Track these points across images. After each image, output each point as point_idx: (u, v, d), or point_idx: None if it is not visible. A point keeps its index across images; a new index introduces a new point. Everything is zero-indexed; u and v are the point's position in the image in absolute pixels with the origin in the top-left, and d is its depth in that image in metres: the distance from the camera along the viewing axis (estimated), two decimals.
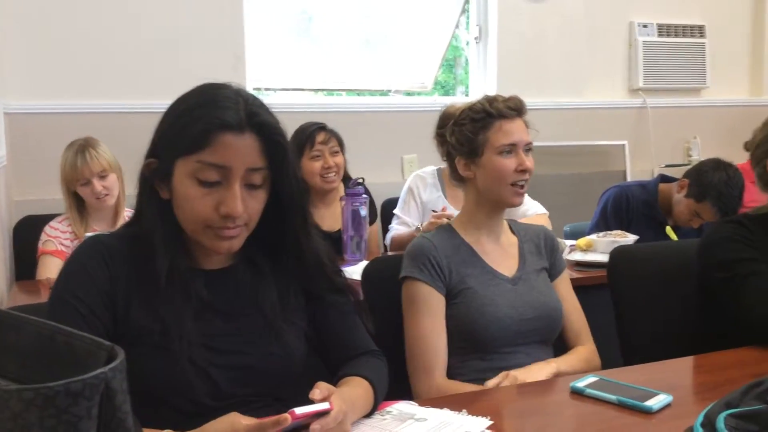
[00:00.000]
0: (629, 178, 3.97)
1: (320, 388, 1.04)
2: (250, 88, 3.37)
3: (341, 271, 1.31)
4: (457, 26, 3.96)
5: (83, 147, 2.49)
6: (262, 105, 1.15)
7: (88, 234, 1.99)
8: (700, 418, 0.95)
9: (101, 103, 3.09)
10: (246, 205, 1.11)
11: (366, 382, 1.17)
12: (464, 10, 3.90)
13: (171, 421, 1.09)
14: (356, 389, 1.15)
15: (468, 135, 1.62)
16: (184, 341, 1.10)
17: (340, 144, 2.75)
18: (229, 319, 1.17)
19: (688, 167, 2.78)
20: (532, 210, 2.70)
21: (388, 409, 1.19)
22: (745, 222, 1.60)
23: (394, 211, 2.84)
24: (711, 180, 2.49)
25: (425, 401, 1.25)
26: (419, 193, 2.77)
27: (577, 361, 1.61)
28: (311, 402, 1.01)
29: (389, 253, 2.67)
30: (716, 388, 1.24)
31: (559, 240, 2.54)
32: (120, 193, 2.57)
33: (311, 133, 2.69)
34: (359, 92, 3.90)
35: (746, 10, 4.39)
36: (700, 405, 1.04)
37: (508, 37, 3.79)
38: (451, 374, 1.59)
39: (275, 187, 1.16)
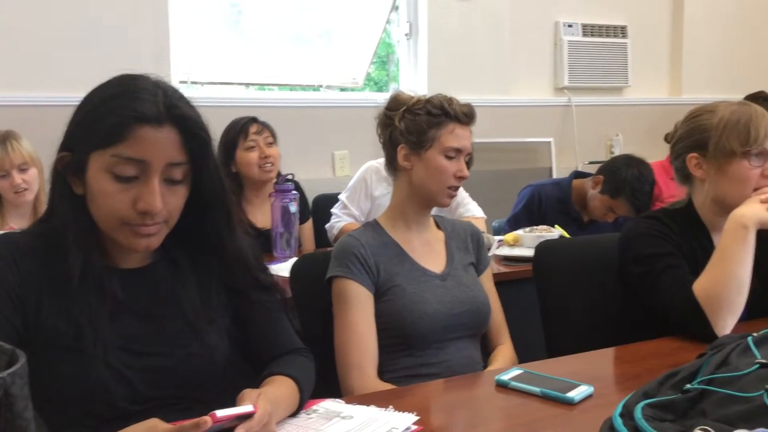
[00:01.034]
0: (555, 175, 4.07)
1: (246, 397, 1.02)
2: (175, 81, 3.28)
3: (267, 268, 1.28)
4: (388, 23, 3.96)
5: (4, 138, 2.39)
6: (182, 97, 1.11)
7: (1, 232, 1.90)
8: (619, 408, 0.97)
9: (17, 96, 2.94)
10: (165, 201, 1.07)
11: (291, 380, 1.15)
12: (394, 7, 3.91)
13: (88, 426, 1.05)
14: (281, 389, 1.13)
15: (421, 126, 1.62)
16: (99, 344, 1.05)
17: (274, 136, 2.71)
18: (147, 320, 1.13)
19: None
20: (469, 212, 2.72)
21: (314, 407, 1.17)
22: (662, 217, 1.65)
23: (340, 197, 2.77)
24: (624, 176, 2.58)
25: (352, 398, 1.24)
26: (372, 185, 2.71)
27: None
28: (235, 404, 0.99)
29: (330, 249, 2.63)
30: (635, 378, 1.28)
31: (488, 236, 2.58)
32: (40, 190, 2.46)
33: (244, 124, 2.65)
34: (291, 87, 3.85)
35: (666, 12, 4.56)
36: (620, 395, 1.07)
37: (438, 34, 3.82)
38: (381, 372, 1.58)
39: (197, 182, 1.13)
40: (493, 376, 1.29)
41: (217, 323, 1.19)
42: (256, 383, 1.16)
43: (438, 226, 1.77)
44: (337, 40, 3.92)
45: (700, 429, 0.86)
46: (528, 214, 2.83)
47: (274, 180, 2.64)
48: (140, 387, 1.09)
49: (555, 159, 4.19)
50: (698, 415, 0.92)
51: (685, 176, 1.68)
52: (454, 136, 1.63)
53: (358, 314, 1.56)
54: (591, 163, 4.17)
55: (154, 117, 1.04)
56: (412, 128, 1.63)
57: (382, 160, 2.73)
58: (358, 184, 2.72)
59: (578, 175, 2.93)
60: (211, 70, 3.59)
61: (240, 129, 2.63)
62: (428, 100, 1.64)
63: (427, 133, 1.62)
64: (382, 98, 3.66)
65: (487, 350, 1.79)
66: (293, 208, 2.45)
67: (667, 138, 1.73)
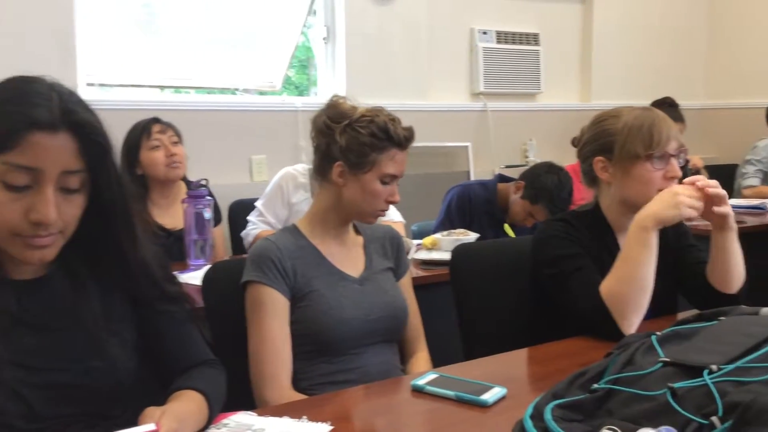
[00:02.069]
0: (472, 178, 4.13)
1: (148, 415, 0.97)
2: (82, 84, 3.15)
3: (174, 277, 1.24)
4: (306, 26, 3.93)
5: None
6: (80, 101, 1.05)
7: None
8: (530, 410, 0.98)
9: None
10: (60, 212, 1.01)
11: (199, 395, 1.11)
12: (311, 11, 3.88)
13: None
14: (188, 404, 1.08)
15: (363, 147, 1.57)
16: None
17: (178, 135, 2.63)
18: (44, 334, 1.06)
19: (525, 168, 2.94)
20: (388, 217, 2.72)
21: (224, 421, 1.13)
22: (571, 219, 1.69)
23: (256, 204, 2.70)
24: (544, 183, 2.64)
25: (266, 410, 1.20)
26: (288, 192, 2.64)
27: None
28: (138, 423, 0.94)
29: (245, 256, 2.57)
30: (547, 378, 1.30)
31: (407, 239, 2.59)
32: None
33: (146, 125, 2.57)
34: (208, 90, 3.77)
35: (576, 21, 4.72)
36: (532, 395, 1.08)
37: (356, 38, 3.82)
38: (298, 379, 1.56)
39: (96, 190, 1.07)
40: (409, 381, 1.28)
41: (121, 336, 1.14)
42: (164, 398, 1.11)
43: (357, 230, 1.75)
44: (254, 43, 3.86)
45: (607, 429, 0.88)
46: (461, 213, 2.85)
47: (182, 180, 2.56)
48: (37, 405, 1.03)
49: (473, 163, 4.25)
50: (605, 415, 0.94)
51: (591, 179, 1.72)
52: (394, 162, 1.60)
53: (273, 322, 1.52)
54: (507, 167, 4.26)
55: (47, 123, 0.99)
56: (354, 147, 1.58)
57: (298, 167, 2.75)
58: (274, 191, 2.66)
59: (502, 178, 2.98)
60: (123, 72, 3.46)
61: (142, 129, 2.55)
62: (372, 120, 1.58)
63: (368, 156, 1.58)
64: (301, 102, 3.70)
65: (403, 357, 1.78)
66: (207, 214, 2.39)
67: (575, 142, 1.78)
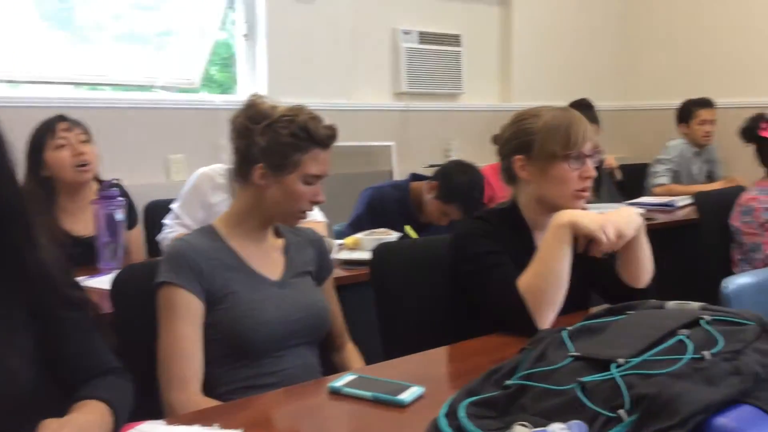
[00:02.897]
0: (396, 178, 4.15)
1: (46, 428, 0.92)
2: None
3: (77, 282, 1.18)
4: (225, 22, 3.85)
5: None
6: None
7: None
8: (444, 408, 0.98)
9: None
10: None
11: (103, 404, 1.06)
12: (230, 7, 3.81)
13: None
14: (90, 415, 1.03)
15: (284, 149, 1.53)
16: None
17: (88, 134, 2.49)
18: None
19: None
20: (310, 216, 2.67)
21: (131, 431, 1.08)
22: (488, 217, 1.71)
23: (172, 207, 2.60)
24: (457, 183, 2.67)
25: (174, 419, 1.16)
26: (206, 194, 2.54)
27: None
28: None
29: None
30: (465, 376, 1.29)
31: (329, 240, 2.56)
32: None
33: (50, 123, 2.41)
34: (127, 88, 3.64)
35: (496, 23, 4.81)
36: (449, 394, 1.07)
37: (277, 36, 3.76)
38: (216, 385, 1.51)
39: None
40: (327, 383, 1.27)
41: (19, 346, 1.07)
42: (67, 410, 1.05)
43: (278, 232, 1.72)
44: (171, 39, 3.75)
45: (519, 424, 0.88)
46: (371, 215, 2.85)
47: (93, 182, 2.45)
48: None
49: (396, 162, 4.26)
50: (518, 410, 0.95)
51: (510, 177, 1.75)
52: (317, 162, 1.57)
53: (185, 325, 1.47)
54: (430, 166, 4.28)
55: None
56: (275, 149, 1.54)
57: (216, 167, 2.68)
58: (191, 193, 2.57)
59: (415, 177, 3.00)
60: (32, 67, 3.30)
61: (46, 127, 2.40)
62: (292, 119, 1.54)
63: (290, 158, 1.54)
64: (220, 100, 3.62)
65: (329, 355, 1.77)
66: (119, 215, 2.29)
67: (495, 140, 1.80)
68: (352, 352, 1.79)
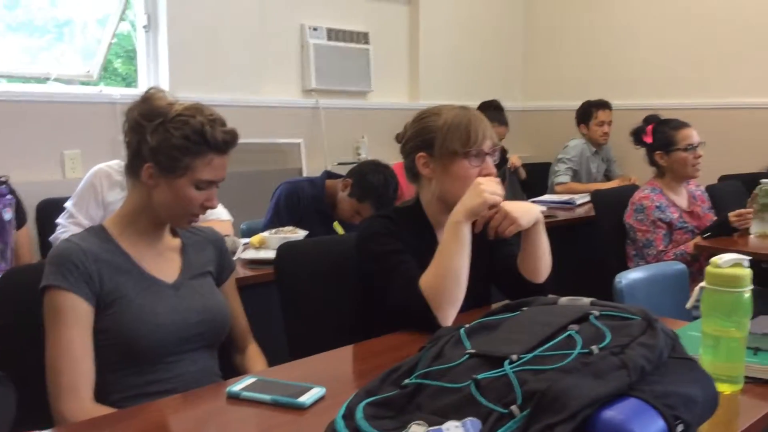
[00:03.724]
0: (305, 175, 4.11)
1: None
2: None
3: None
4: (125, 13, 3.70)
5: None
6: None
7: None
8: (342, 410, 0.97)
9: None
10: None
11: None
12: None
13: None
14: None
15: (175, 151, 1.46)
16: None
17: None
18: None
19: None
20: (214, 215, 2.61)
21: None
22: (393, 216, 1.72)
23: (66, 206, 2.47)
24: (370, 182, 2.67)
25: (65, 429, 1.10)
26: (103, 191, 2.45)
27: None
28: None
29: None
30: (367, 376, 1.29)
31: (234, 239, 2.51)
32: None
33: None
34: (25, 80, 3.43)
35: (403, 22, 4.84)
36: (351, 395, 1.07)
37: (180, 28, 3.65)
38: (108, 393, 1.45)
39: None
40: (225, 388, 1.23)
41: None
42: None
43: (174, 232, 1.66)
44: (70, 30, 3.57)
45: (416, 423, 0.88)
46: (289, 211, 2.80)
47: None
48: None
49: (305, 160, 4.23)
50: (415, 409, 0.95)
51: (414, 175, 1.76)
52: (212, 167, 1.50)
53: (74, 330, 1.39)
54: (340, 164, 4.28)
55: None
56: (165, 150, 1.46)
57: (113, 163, 2.57)
58: (86, 190, 2.47)
59: (330, 175, 2.98)
60: None
61: None
62: (187, 121, 1.46)
63: (181, 161, 1.47)
64: (120, 94, 3.47)
65: (232, 358, 1.74)
66: (7, 215, 2.17)
67: (398, 138, 1.81)
68: (255, 354, 1.75)
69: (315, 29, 4.25)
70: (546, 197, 4.25)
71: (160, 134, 1.47)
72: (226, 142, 1.52)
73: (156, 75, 3.68)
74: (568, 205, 4.00)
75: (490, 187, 1.55)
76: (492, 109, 4.70)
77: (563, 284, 1.88)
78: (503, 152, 4.54)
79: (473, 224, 1.62)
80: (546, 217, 3.56)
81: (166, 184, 1.50)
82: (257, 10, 3.96)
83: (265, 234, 2.49)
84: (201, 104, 1.53)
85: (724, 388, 1.18)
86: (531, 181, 4.68)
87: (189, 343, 1.54)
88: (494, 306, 1.71)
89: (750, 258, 1.20)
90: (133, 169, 1.53)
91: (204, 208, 1.55)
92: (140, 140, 1.49)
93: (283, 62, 4.18)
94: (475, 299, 1.72)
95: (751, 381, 1.24)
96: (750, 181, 3.15)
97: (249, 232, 2.96)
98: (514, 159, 4.59)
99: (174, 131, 1.46)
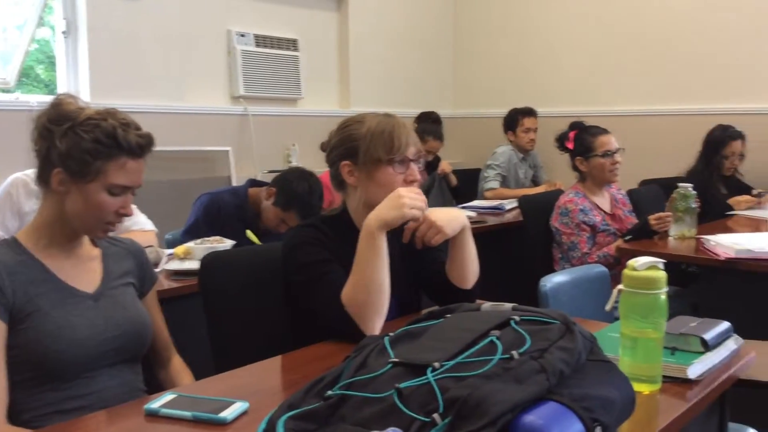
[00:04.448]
0: (234, 184, 4.05)
1: None
2: None
3: None
4: (43, 18, 3.56)
5: None
6: None
7: None
8: (263, 424, 0.95)
9: None
10: None
11: None
12: (46, 4, 3.53)
13: None
14: None
15: (85, 154, 1.41)
16: None
17: None
18: None
19: None
20: (137, 225, 2.53)
21: None
22: (319, 224, 1.69)
23: None
24: (295, 190, 2.63)
25: None
26: (19, 201, 2.36)
27: None
28: None
29: None
30: (292, 388, 1.26)
31: (158, 249, 2.44)
32: None
33: None
34: None
35: (333, 29, 4.84)
36: (274, 408, 1.04)
37: (100, 34, 3.54)
38: (23, 410, 1.38)
39: None
40: (143, 404, 1.18)
41: None
42: None
43: (94, 241, 1.59)
44: None
45: None
46: (209, 222, 2.74)
47: None
48: None
49: (234, 168, 4.16)
50: (338, 421, 0.93)
51: (339, 183, 1.75)
52: (124, 172, 1.45)
53: None
54: (270, 171, 4.23)
55: None
56: (74, 154, 1.41)
57: (30, 172, 2.45)
58: (3, 200, 2.37)
59: (254, 183, 2.93)
60: None
61: None
62: (98, 124, 1.42)
63: (92, 165, 1.42)
64: (37, 101, 3.34)
65: (155, 372, 1.69)
66: None
67: (323, 147, 1.79)
68: (179, 368, 1.71)
69: (242, 35, 4.20)
70: (476, 203, 4.31)
71: (70, 138, 1.42)
72: (141, 145, 1.47)
73: (76, 81, 3.56)
74: (498, 210, 4.07)
75: (411, 201, 1.53)
76: (430, 122, 4.75)
77: (493, 289, 1.90)
78: (435, 159, 4.60)
79: (401, 234, 1.62)
80: (476, 222, 3.63)
81: (77, 191, 1.44)
82: (181, 15, 3.88)
83: (191, 244, 2.43)
84: (115, 109, 1.49)
85: (642, 388, 1.21)
86: (461, 187, 4.73)
87: (108, 357, 1.49)
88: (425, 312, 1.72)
89: (665, 261, 1.23)
90: (43, 177, 1.47)
91: (119, 215, 1.50)
92: (49, 146, 1.43)
93: (210, 69, 4.10)
94: (404, 307, 1.72)
95: (669, 380, 1.27)
96: (669, 185, 3.27)
97: (174, 243, 2.89)
98: (445, 165, 4.64)
99: (84, 134, 1.42)
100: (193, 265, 2.29)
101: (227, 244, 2.43)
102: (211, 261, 1.82)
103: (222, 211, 2.76)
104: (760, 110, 4.17)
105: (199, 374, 1.70)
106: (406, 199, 1.53)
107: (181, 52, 3.90)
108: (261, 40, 4.28)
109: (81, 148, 1.41)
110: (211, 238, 2.47)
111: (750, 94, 4.24)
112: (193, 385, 1.55)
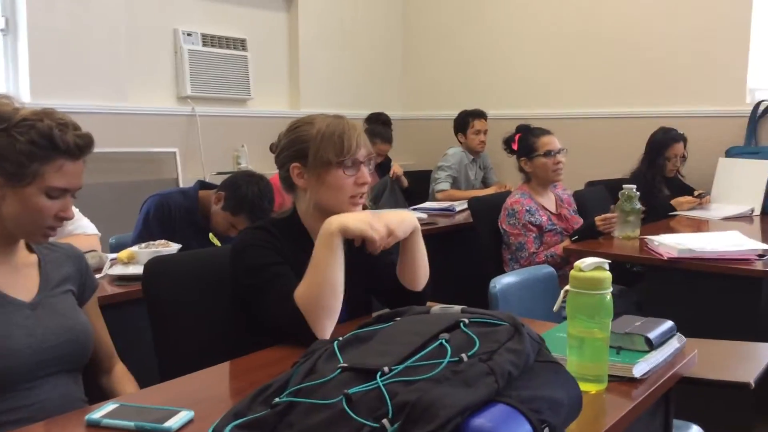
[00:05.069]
0: (182, 186, 3.97)
1: None
2: None
3: None
4: None
5: None
6: None
7: None
8: None
9: None
10: None
11: None
12: None
13: None
14: None
15: (20, 156, 1.36)
16: None
17: None
18: None
19: None
20: (79, 229, 2.46)
21: None
22: (268, 227, 1.67)
23: None
24: (244, 194, 2.59)
25: None
26: None
27: None
28: None
29: None
30: (240, 395, 1.24)
31: (100, 254, 2.37)
32: None
33: None
34: None
35: (282, 29, 4.79)
36: (221, 415, 1.02)
37: (41, 32, 3.43)
38: None
39: None
40: (85, 414, 1.14)
41: None
42: None
43: (30, 248, 1.54)
44: None
45: None
46: (160, 224, 2.68)
47: None
48: None
49: (181, 169, 4.08)
50: (286, 428, 0.91)
51: (289, 185, 1.72)
52: (62, 174, 1.41)
53: None
54: (219, 173, 4.17)
55: None
56: (9, 156, 1.36)
57: None
58: None
59: (203, 185, 2.87)
60: None
61: None
62: (33, 125, 1.38)
63: (28, 168, 1.37)
64: None
65: (98, 381, 1.64)
66: None
67: (272, 148, 1.77)
68: (122, 376, 1.66)
69: (189, 34, 4.13)
70: (427, 204, 4.32)
71: (4, 140, 1.37)
72: (79, 146, 1.43)
73: (15, 81, 3.44)
74: (449, 212, 4.09)
75: (378, 225, 1.53)
76: (380, 124, 4.74)
77: (444, 291, 1.90)
78: (387, 161, 4.60)
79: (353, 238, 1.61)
80: (427, 224, 3.64)
81: (13, 195, 1.39)
82: (125, 13, 3.79)
83: (134, 248, 2.37)
84: (52, 109, 1.44)
85: (589, 388, 1.23)
86: (413, 189, 4.75)
87: (48, 367, 1.44)
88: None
89: (610, 262, 1.24)
90: None
91: (59, 219, 1.45)
92: None
93: (156, 68, 4.02)
94: (354, 310, 1.71)
95: (615, 379, 1.29)
96: (614, 186, 3.34)
97: (119, 247, 2.81)
98: (396, 168, 4.64)
99: (19, 136, 1.37)
100: (137, 269, 2.23)
101: (173, 248, 2.37)
102: (155, 265, 1.77)
103: (172, 212, 2.70)
104: (700, 113, 4.30)
105: (143, 382, 1.65)
106: (374, 222, 1.53)
107: (126, 51, 3.81)
108: (209, 40, 4.22)
109: (16, 150, 1.37)
110: (157, 242, 2.41)
111: (691, 98, 4.36)
112: (137, 394, 1.51)
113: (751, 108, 4.13)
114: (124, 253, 2.34)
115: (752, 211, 3.83)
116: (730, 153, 4.16)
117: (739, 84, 4.20)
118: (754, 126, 4.13)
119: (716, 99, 4.27)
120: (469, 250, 3.49)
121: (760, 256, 2.54)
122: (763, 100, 4.10)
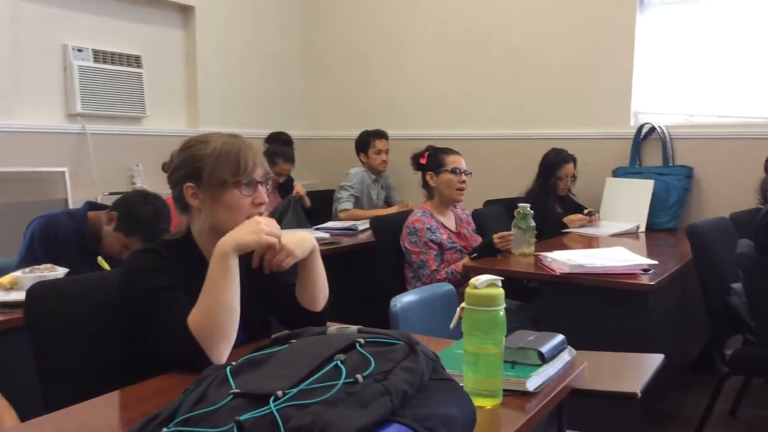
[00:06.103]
0: (71, 207, 3.78)
1: None
2: None
3: None
4: None
5: None
6: None
7: None
8: None
9: None
10: None
11: None
12: None
13: None
14: None
15: None
16: None
17: None
18: None
19: None
20: None
21: None
22: (160, 249, 1.61)
23: None
24: (138, 214, 2.48)
25: None
26: None
27: None
28: None
29: None
30: (127, 425, 1.19)
31: None
32: None
33: None
34: None
35: (180, 46, 4.68)
36: None
37: None
38: None
39: None
40: None
41: None
42: None
43: None
44: None
45: None
46: (45, 247, 2.52)
47: None
48: None
49: (71, 190, 3.89)
50: None
51: (183, 206, 1.67)
52: None
53: None
54: (111, 193, 4.00)
55: None
56: None
57: None
58: None
59: (93, 206, 2.74)
60: None
61: None
62: None
63: None
64: None
65: None
66: None
67: (164, 167, 1.71)
68: (2, 409, 1.55)
69: (80, 50, 3.96)
70: (330, 224, 4.31)
71: None
72: None
73: None
74: (351, 231, 4.09)
75: (268, 227, 1.51)
76: (281, 143, 4.70)
77: (347, 311, 1.89)
78: (289, 181, 4.56)
79: (248, 258, 1.57)
80: (330, 243, 3.63)
81: None
82: (9, 27, 3.60)
83: (17, 273, 2.23)
84: None
85: (485, 403, 1.25)
86: (316, 209, 4.72)
87: None
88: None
89: (503, 279, 1.27)
90: None
91: None
92: None
93: (43, 84, 3.83)
94: (253, 332, 1.67)
95: (510, 393, 1.31)
96: (511, 205, 3.44)
97: (1, 272, 2.63)
98: (299, 188, 4.61)
99: None
100: (20, 296, 2.09)
101: (59, 272, 2.25)
102: (38, 291, 1.67)
103: (58, 234, 2.56)
104: (589, 135, 4.52)
105: (27, 415, 1.55)
106: (263, 225, 1.51)
107: (9, 66, 3.61)
108: (101, 56, 4.06)
109: None
110: (42, 267, 2.28)
111: (581, 121, 4.57)
112: (17, 428, 1.41)
113: (635, 130, 4.37)
114: (6, 279, 2.20)
115: (638, 227, 4.05)
116: (617, 173, 4.39)
117: (624, 108, 4.44)
118: (637, 147, 4.38)
119: (603, 122, 4.50)
120: (372, 269, 3.51)
121: (645, 270, 2.67)
122: (645, 123, 4.35)
